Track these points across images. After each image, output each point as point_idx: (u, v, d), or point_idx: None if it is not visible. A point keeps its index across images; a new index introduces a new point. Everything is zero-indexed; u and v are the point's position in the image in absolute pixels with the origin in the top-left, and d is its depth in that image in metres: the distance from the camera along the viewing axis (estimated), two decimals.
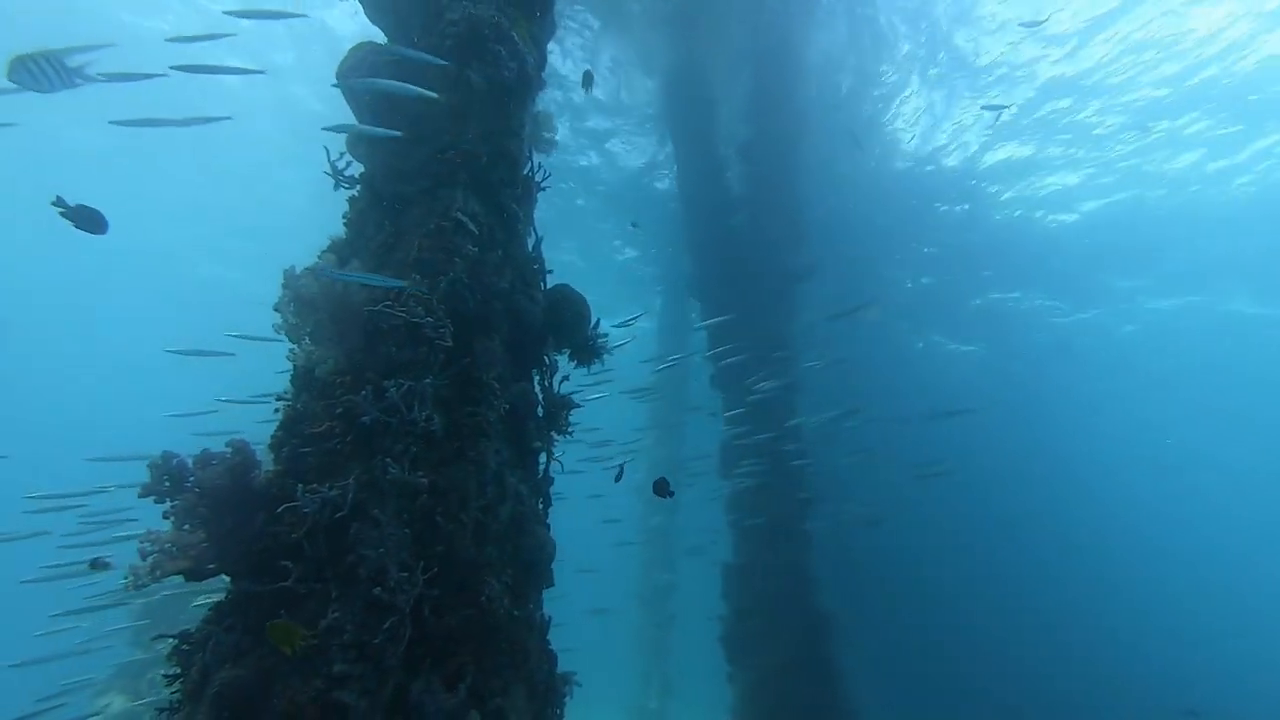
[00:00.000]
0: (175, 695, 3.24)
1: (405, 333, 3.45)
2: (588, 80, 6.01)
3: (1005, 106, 15.09)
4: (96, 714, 9.87)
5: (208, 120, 4.08)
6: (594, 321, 4.89)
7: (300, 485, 3.55)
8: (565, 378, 4.53)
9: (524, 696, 3.29)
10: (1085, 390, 26.22)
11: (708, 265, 14.15)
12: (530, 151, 4.43)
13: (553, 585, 4.04)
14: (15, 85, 3.40)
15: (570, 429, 4.50)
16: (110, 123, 4.40)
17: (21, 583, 8.86)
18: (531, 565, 3.99)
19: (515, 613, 3.53)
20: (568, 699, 3.61)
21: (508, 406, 3.92)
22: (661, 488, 5.30)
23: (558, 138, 4.92)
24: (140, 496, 3.72)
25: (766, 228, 13.57)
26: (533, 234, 4.56)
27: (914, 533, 17.44)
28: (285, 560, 3.45)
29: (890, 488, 16.16)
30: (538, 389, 4.65)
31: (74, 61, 3.58)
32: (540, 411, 4.51)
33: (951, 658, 15.96)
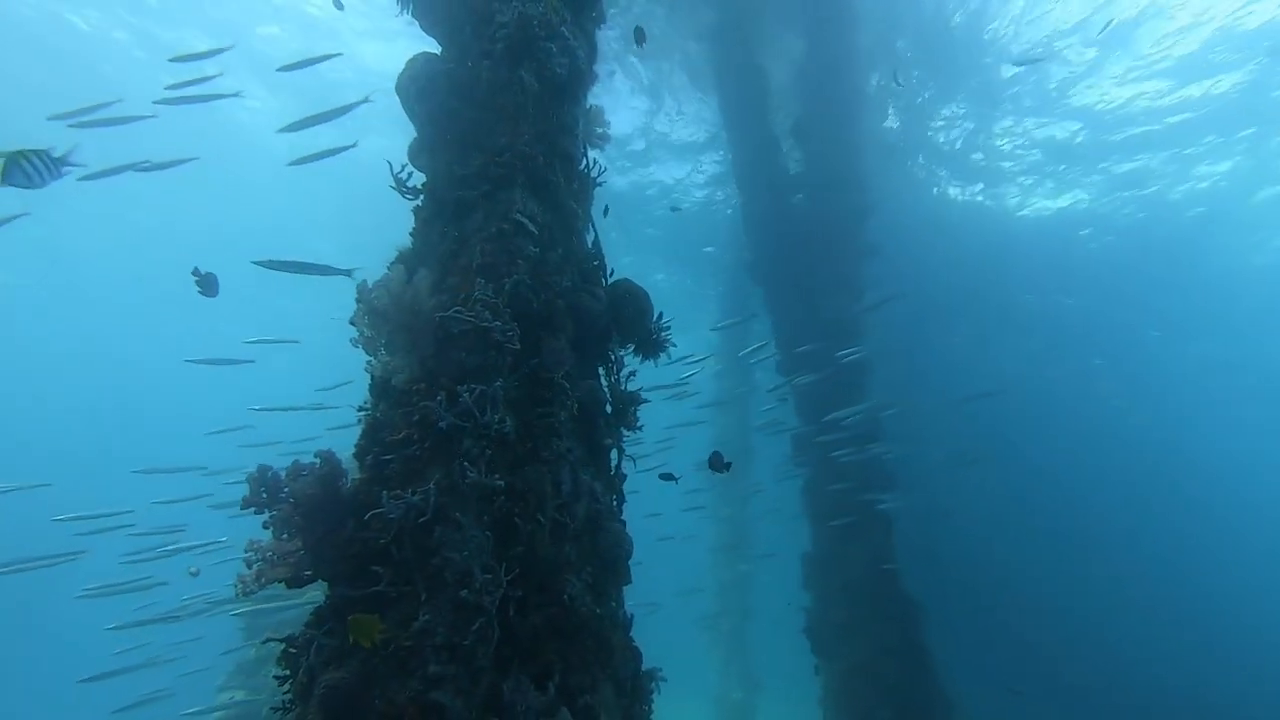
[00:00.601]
0: (287, 695, 3.42)
1: (474, 338, 3.50)
2: (639, 36, 5.84)
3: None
4: (221, 708, 10.66)
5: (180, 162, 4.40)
6: (656, 315, 4.84)
7: (385, 492, 3.67)
8: (632, 373, 4.50)
9: (612, 693, 3.29)
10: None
11: (767, 249, 13.81)
12: (584, 147, 4.41)
13: (631, 582, 4.02)
14: (11, 185, 3.61)
15: (639, 424, 4.46)
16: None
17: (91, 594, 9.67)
18: (610, 562, 3.99)
19: (598, 610, 3.53)
20: (655, 695, 3.59)
21: (577, 405, 3.92)
22: (717, 462, 5.12)
23: (610, 131, 4.88)
24: (242, 509, 3.94)
25: (828, 205, 13.11)
26: (590, 230, 4.55)
27: (1007, 518, 16.73)
28: (376, 565, 3.57)
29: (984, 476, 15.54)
30: (604, 386, 4.64)
31: (58, 153, 3.77)
32: (609, 409, 4.49)
33: (1050, 647, 15.19)
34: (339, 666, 3.27)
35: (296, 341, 9.85)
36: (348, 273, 6.27)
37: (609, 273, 4.63)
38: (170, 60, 7.38)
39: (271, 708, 3.47)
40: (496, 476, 3.45)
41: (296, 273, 5.72)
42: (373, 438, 4.03)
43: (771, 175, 13.69)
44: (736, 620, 21.59)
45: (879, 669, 10.09)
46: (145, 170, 6.35)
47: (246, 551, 3.86)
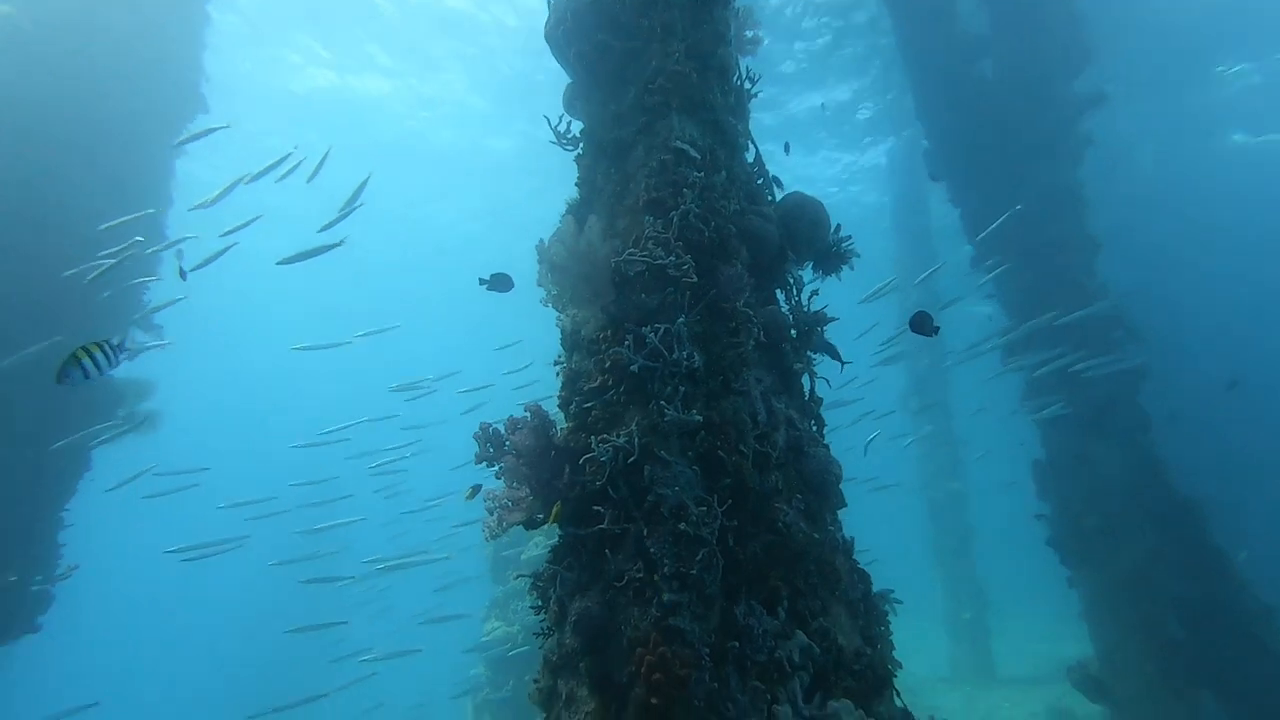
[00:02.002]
0: (544, 621, 3.85)
1: (650, 277, 3.48)
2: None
3: None
4: (486, 636, 12.55)
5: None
6: (834, 226, 4.45)
7: (593, 437, 3.87)
8: (815, 292, 4.21)
9: (846, 615, 3.21)
10: None
11: (951, 130, 12.10)
12: (736, 57, 4.11)
13: (845, 505, 3.85)
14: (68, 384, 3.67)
15: (828, 347, 4.19)
16: None
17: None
18: (820, 487, 3.85)
19: (816, 535, 3.44)
20: (891, 616, 3.44)
21: (761, 331, 3.76)
22: (923, 323, 4.42)
23: (762, 34, 4.48)
24: (476, 464, 4.42)
25: (1031, 56, 11.04)
26: (751, 146, 4.27)
27: None
28: (596, 506, 3.81)
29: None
30: (786, 310, 4.41)
31: (115, 340, 3.86)
32: (793, 332, 4.27)
33: None
34: (583, 597, 3.57)
35: (398, 326, 10.70)
36: (339, 244, 6.63)
37: (777, 184, 4.32)
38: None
39: (534, 633, 3.92)
40: (694, 412, 3.45)
41: (308, 258, 6.20)
42: (572, 388, 4.26)
43: (949, 39, 11.81)
44: (957, 540, 20.39)
45: (1156, 577, 8.88)
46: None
47: (486, 500, 4.34)
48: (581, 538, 3.83)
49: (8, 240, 6.20)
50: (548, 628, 3.93)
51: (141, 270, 6.75)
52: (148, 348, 3.95)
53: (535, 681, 3.74)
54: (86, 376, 3.70)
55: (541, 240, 3.54)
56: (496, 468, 4.30)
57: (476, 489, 4.50)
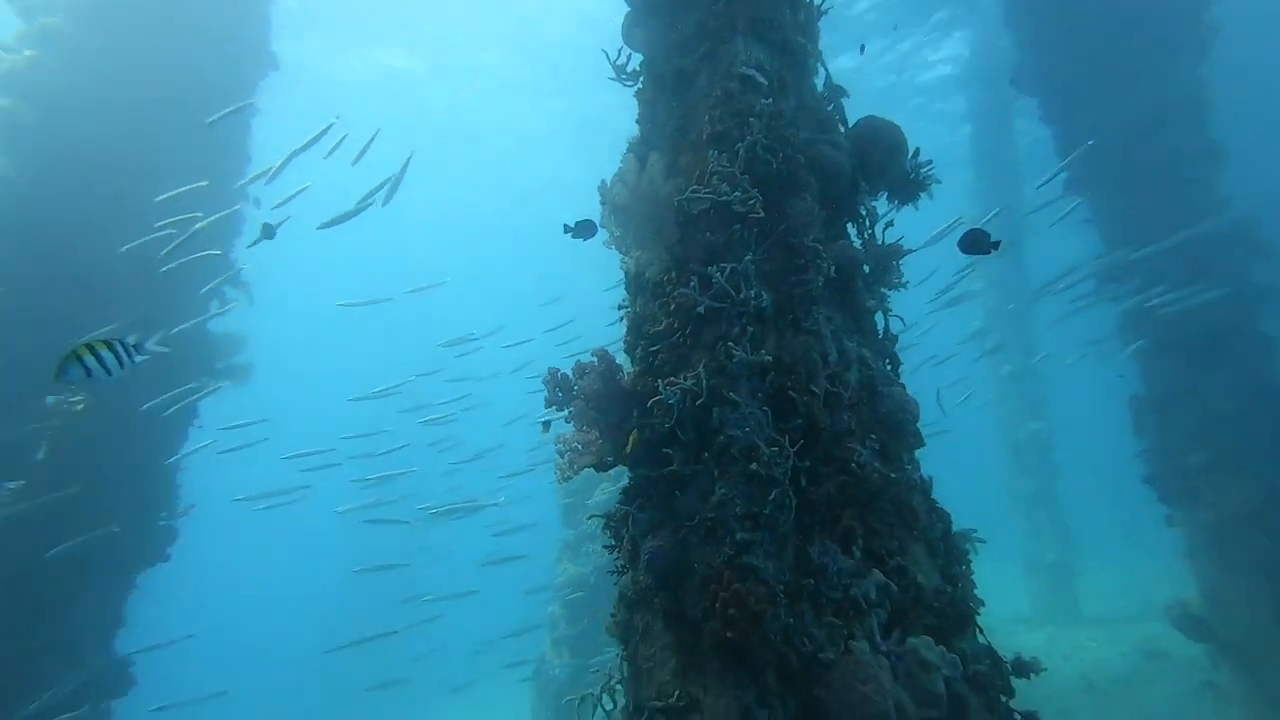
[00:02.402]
0: (617, 560, 3.97)
1: (715, 215, 3.36)
2: None
3: None
4: (559, 577, 13.17)
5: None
6: (911, 151, 4.15)
7: (659, 381, 3.87)
8: (890, 223, 3.96)
9: (925, 554, 3.15)
10: None
11: (1044, 26, 10.81)
12: None
13: (923, 445, 3.72)
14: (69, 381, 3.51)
15: (904, 281, 3.97)
16: None
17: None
18: (895, 427, 3.73)
19: (892, 475, 3.35)
20: (973, 555, 3.35)
21: (833, 267, 3.60)
22: (978, 241, 3.88)
23: None
24: (545, 408, 4.52)
25: None
26: (821, 69, 3.98)
27: None
28: (666, 448, 3.84)
29: None
30: (858, 244, 4.19)
31: (133, 339, 3.60)
32: (866, 267, 4.07)
33: None
34: (654, 536, 3.64)
35: (445, 282, 10.70)
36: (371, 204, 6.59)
37: (845, 113, 4.04)
38: None
39: (608, 571, 4.06)
40: (763, 352, 3.37)
41: (348, 220, 6.16)
42: (637, 332, 4.24)
43: None
44: (1039, 481, 19.64)
45: (1273, 516, 8.32)
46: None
47: (557, 443, 4.45)
48: (652, 479, 3.89)
49: (104, 199, 6.60)
50: (621, 565, 4.05)
51: (228, 230, 7.11)
52: (164, 350, 3.72)
53: (612, 615, 3.89)
54: (89, 374, 3.46)
55: (603, 181, 3.47)
56: (566, 412, 4.39)
57: (548, 425, 4.58)
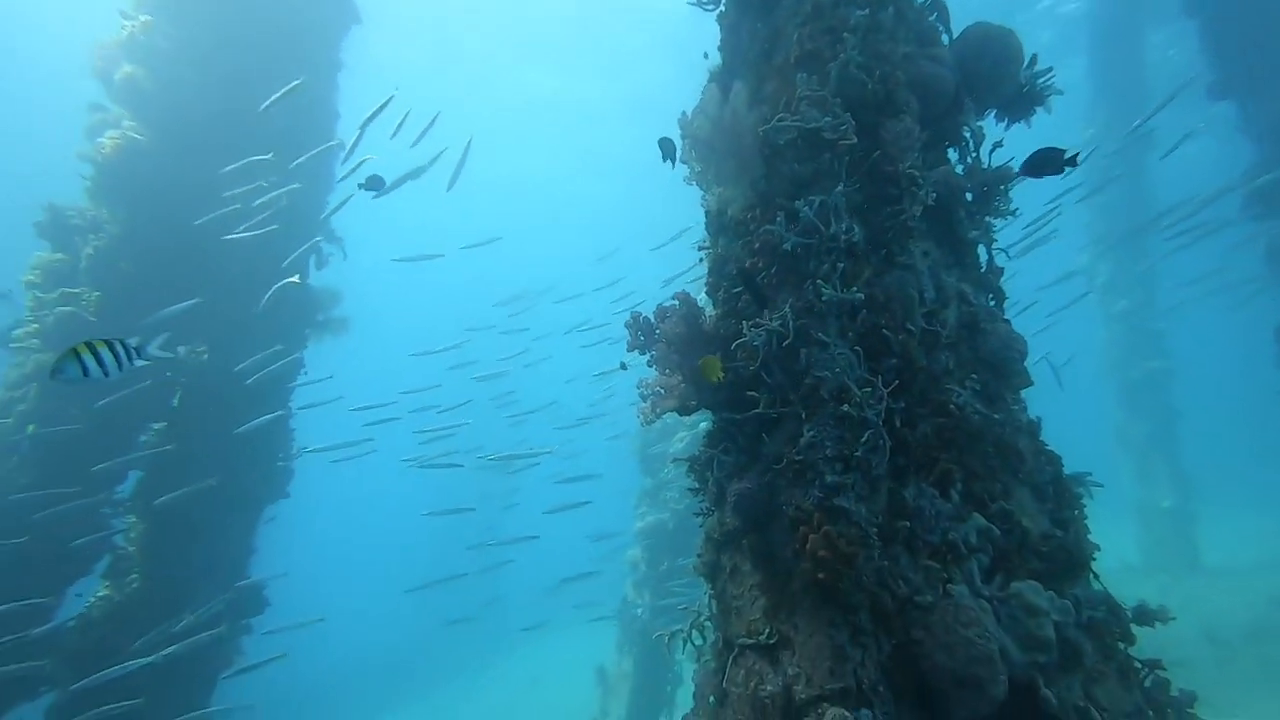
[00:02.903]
0: (702, 502, 4.01)
1: (803, 144, 3.17)
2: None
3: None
4: (640, 523, 13.54)
5: None
6: (1026, 60, 3.72)
7: (744, 322, 3.78)
8: (998, 144, 3.60)
9: (1031, 499, 2.98)
10: None
11: None
12: None
13: (1031, 384, 3.48)
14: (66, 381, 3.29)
15: (1012, 209, 3.62)
16: None
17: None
18: (998, 366, 3.49)
19: (996, 416, 3.16)
20: (1086, 501, 3.15)
21: (933, 195, 3.33)
22: (1047, 161, 3.27)
23: None
24: (628, 351, 4.54)
25: None
26: None
27: None
28: (751, 391, 3.78)
29: None
30: (960, 169, 3.86)
31: (135, 341, 3.48)
32: (969, 195, 3.75)
33: None
34: (741, 479, 3.64)
35: (499, 239, 10.55)
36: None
37: (949, 23, 3.66)
38: None
39: (694, 514, 4.11)
40: (854, 289, 3.21)
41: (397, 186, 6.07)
42: (719, 273, 4.14)
43: None
44: (1156, 423, 18.16)
45: None
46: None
47: (639, 388, 4.48)
48: (737, 422, 3.85)
49: (218, 157, 6.94)
50: (706, 508, 4.09)
51: (321, 188, 7.44)
52: (167, 356, 3.47)
53: (699, 556, 3.95)
54: (86, 374, 3.32)
55: (684, 113, 3.33)
56: (648, 355, 4.39)
57: (625, 365, 4.60)
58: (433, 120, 7.18)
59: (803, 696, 2.60)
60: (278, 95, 6.39)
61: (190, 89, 7.04)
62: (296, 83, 6.40)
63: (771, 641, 3.07)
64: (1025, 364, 3.46)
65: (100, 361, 3.36)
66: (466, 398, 12.70)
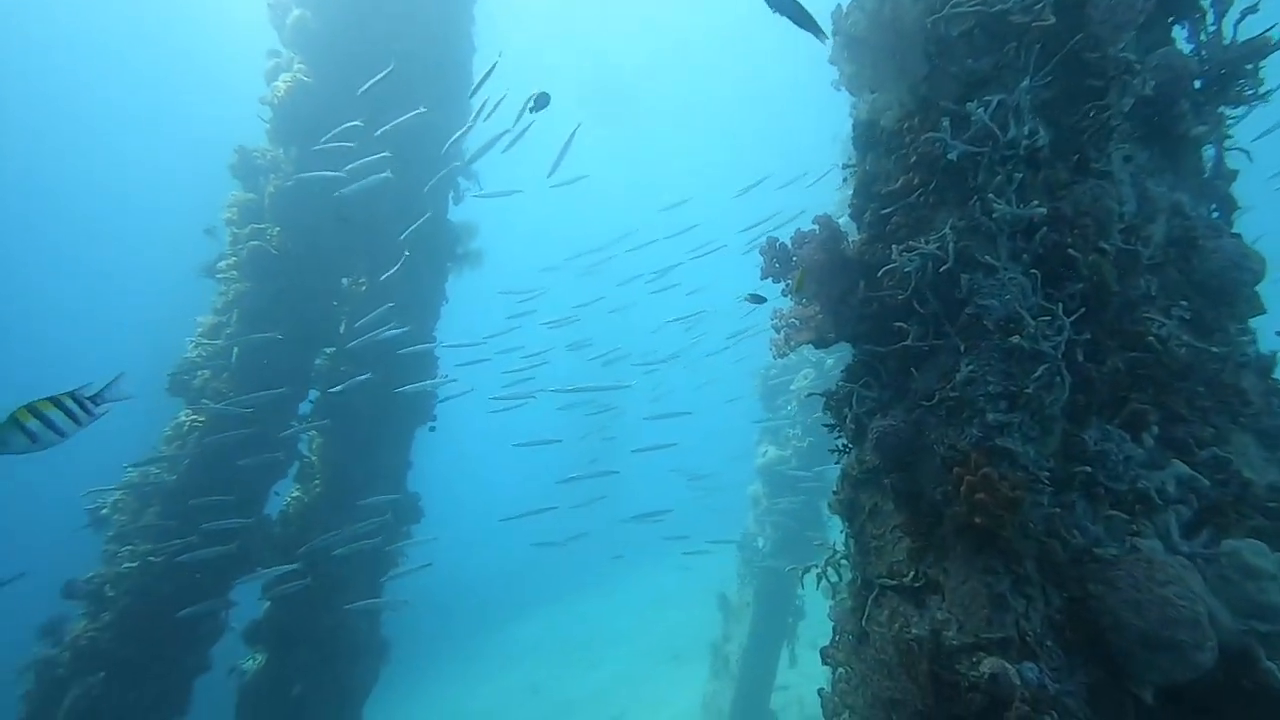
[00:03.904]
0: (840, 440, 3.83)
1: (982, 34, 2.72)
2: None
3: None
4: (761, 459, 13.45)
5: None
6: None
7: (894, 247, 3.45)
8: (1252, 8, 2.88)
9: (1255, 445, 2.52)
10: None
11: None
12: None
13: (1263, 311, 2.90)
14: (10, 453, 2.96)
15: (1263, 91, 2.92)
16: None
17: None
18: (1219, 290, 2.93)
19: (1212, 349, 2.67)
20: None
21: (1149, 85, 2.77)
22: None
23: None
24: (761, 279, 4.35)
25: None
26: None
27: None
28: (898, 322, 3.48)
29: None
30: (1189, 49, 3.17)
31: (91, 391, 3.17)
32: (1199, 82, 3.08)
33: None
34: (884, 415, 3.41)
35: (585, 176, 9.89)
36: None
37: None
38: None
39: (830, 449, 3.94)
40: (1034, 203, 2.78)
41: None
42: (866, 193, 3.79)
43: None
44: None
45: None
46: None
47: (773, 319, 4.30)
48: (881, 356, 3.59)
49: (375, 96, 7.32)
50: (843, 445, 3.91)
51: (457, 124, 7.68)
52: (128, 398, 2.99)
53: (835, 493, 3.81)
54: (34, 441, 2.97)
55: (839, 6, 2.97)
56: (783, 285, 4.17)
57: (759, 298, 4.42)
58: (535, 103, 7.17)
59: (954, 643, 2.45)
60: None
61: (349, 27, 7.40)
62: None
63: (917, 585, 2.91)
64: (1256, 288, 2.88)
65: (51, 424, 3.04)
66: (545, 346, 12.82)
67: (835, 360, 12.30)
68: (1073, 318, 2.70)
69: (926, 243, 3.23)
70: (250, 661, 7.16)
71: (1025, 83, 2.69)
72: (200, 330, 7.53)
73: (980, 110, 2.77)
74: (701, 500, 16.89)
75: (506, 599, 25.35)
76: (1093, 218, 2.76)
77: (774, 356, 4.40)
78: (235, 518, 6.84)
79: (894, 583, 3.08)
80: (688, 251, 13.42)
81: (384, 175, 6.77)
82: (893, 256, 3.42)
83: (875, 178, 3.68)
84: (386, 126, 6.84)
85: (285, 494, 7.90)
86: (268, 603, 7.37)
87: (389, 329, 6.96)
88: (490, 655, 22.18)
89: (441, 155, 7.50)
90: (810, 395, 4.54)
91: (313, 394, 7.97)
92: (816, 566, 3.76)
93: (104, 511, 6.77)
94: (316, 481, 7.92)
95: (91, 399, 3.17)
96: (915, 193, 3.34)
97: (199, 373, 7.30)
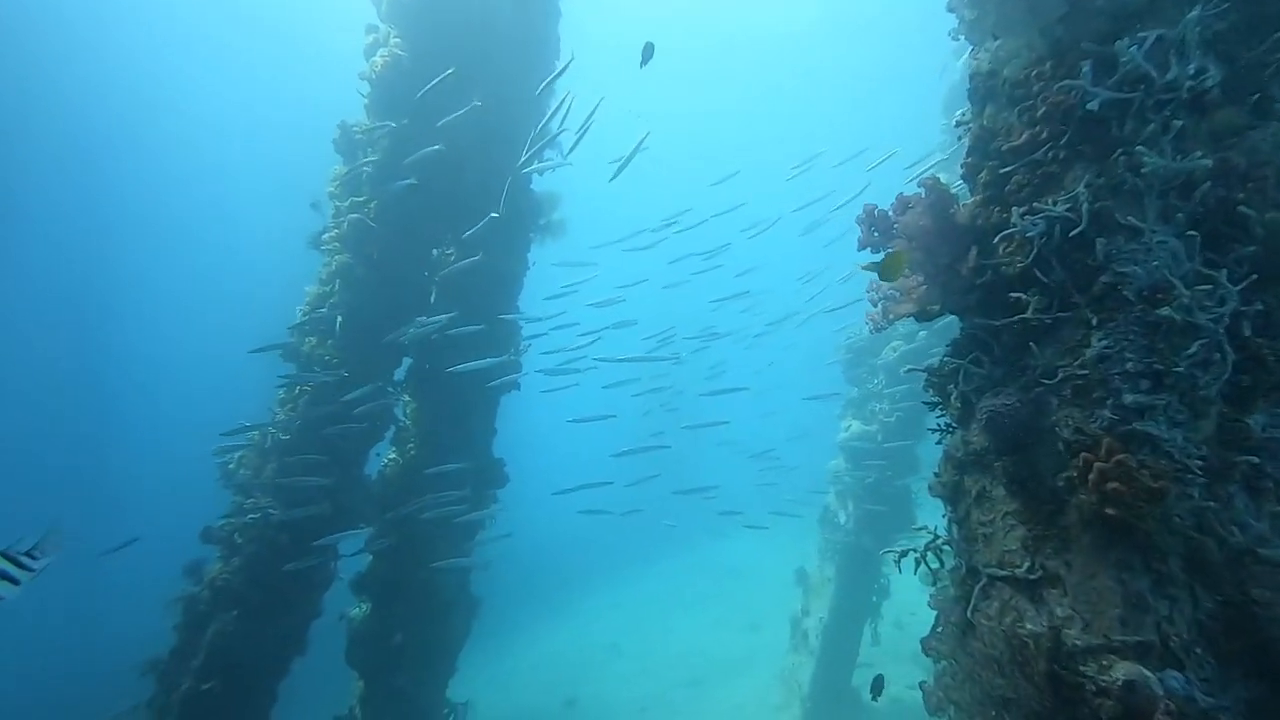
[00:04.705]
0: (943, 419, 3.59)
1: None
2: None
3: None
4: (844, 433, 13.01)
5: None
6: None
7: (1014, 209, 3.14)
8: None
9: None
10: None
11: None
12: None
13: None
14: None
15: None
16: None
17: None
18: None
19: None
20: None
21: None
22: None
23: None
24: (859, 250, 4.10)
25: None
26: None
27: None
28: (1016, 293, 3.19)
29: None
30: None
31: (28, 546, 3.07)
32: None
33: None
34: (996, 394, 3.15)
35: (568, 163, 9.44)
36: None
37: None
38: None
39: (930, 429, 3.71)
40: (1198, 155, 2.43)
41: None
42: (982, 151, 3.47)
43: None
44: None
45: None
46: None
47: (868, 291, 4.05)
48: (995, 330, 3.32)
49: (468, 68, 7.43)
50: (947, 424, 3.67)
51: (544, 97, 7.69)
52: (59, 551, 2.83)
53: (936, 475, 3.59)
54: None
55: None
56: (881, 254, 3.92)
57: (879, 263, 4.17)
58: (596, 106, 7.16)
59: (1078, 643, 2.25)
60: None
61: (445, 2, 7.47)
62: None
63: (1033, 577, 2.69)
64: None
65: None
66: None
67: (929, 333, 11.65)
68: (1240, 286, 2.35)
69: (1054, 204, 2.91)
70: (357, 610, 7.73)
71: (1194, 13, 2.32)
72: (307, 299, 8.00)
73: (1134, 49, 2.42)
74: (761, 478, 16.93)
75: (583, 563, 26.20)
76: (1274, 168, 2.37)
77: (869, 331, 4.17)
78: (336, 477, 7.34)
79: (1005, 573, 2.87)
80: (740, 231, 13.08)
81: (436, 148, 6.92)
82: (1013, 220, 3.13)
83: (994, 133, 3.35)
84: (448, 117, 6.97)
85: (383, 455, 8.37)
86: (369, 557, 7.89)
87: (458, 326, 7.23)
88: (570, 615, 23.09)
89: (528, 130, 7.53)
90: (909, 370, 4.28)
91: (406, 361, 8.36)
92: (914, 550, 3.57)
93: (231, 466, 7.42)
94: (411, 445, 8.33)
95: (28, 554, 3.10)
96: (1042, 148, 3.02)
97: (307, 339, 7.78)
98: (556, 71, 7.40)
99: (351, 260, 7.86)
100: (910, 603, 14.36)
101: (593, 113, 7.18)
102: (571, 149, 7.53)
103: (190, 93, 34.10)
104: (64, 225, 34.70)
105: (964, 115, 3.68)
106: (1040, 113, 3.02)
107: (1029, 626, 2.57)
